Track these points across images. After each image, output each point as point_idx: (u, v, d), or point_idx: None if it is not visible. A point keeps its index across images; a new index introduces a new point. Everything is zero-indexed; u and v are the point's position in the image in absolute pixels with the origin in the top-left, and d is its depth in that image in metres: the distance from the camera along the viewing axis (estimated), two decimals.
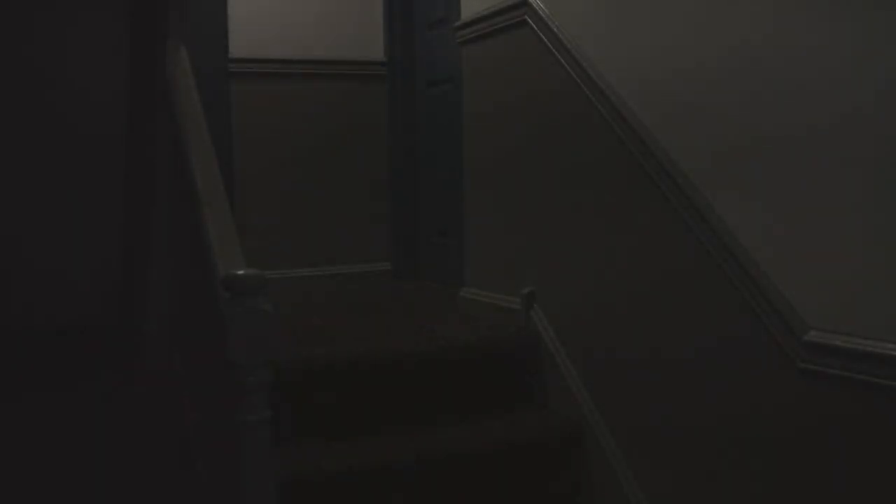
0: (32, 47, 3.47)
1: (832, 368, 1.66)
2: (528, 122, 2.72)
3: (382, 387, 2.46)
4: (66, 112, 3.56)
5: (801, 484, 1.76)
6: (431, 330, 2.75)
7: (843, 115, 1.67)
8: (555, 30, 2.52)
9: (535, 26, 2.62)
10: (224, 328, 1.74)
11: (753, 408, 1.87)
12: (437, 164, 3.85)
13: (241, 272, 1.77)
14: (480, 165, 3.07)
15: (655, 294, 2.17)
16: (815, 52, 1.73)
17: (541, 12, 2.58)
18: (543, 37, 2.57)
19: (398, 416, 2.46)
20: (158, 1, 2.68)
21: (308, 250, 4.07)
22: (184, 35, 2.70)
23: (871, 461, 1.62)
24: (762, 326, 1.81)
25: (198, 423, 2.35)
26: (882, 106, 1.60)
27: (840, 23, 1.68)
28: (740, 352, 1.89)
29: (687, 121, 2.07)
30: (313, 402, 2.37)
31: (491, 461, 2.36)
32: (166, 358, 2.70)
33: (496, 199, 2.96)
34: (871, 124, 1.62)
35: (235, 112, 3.95)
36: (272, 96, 4.02)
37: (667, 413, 2.14)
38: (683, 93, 2.08)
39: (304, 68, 4.04)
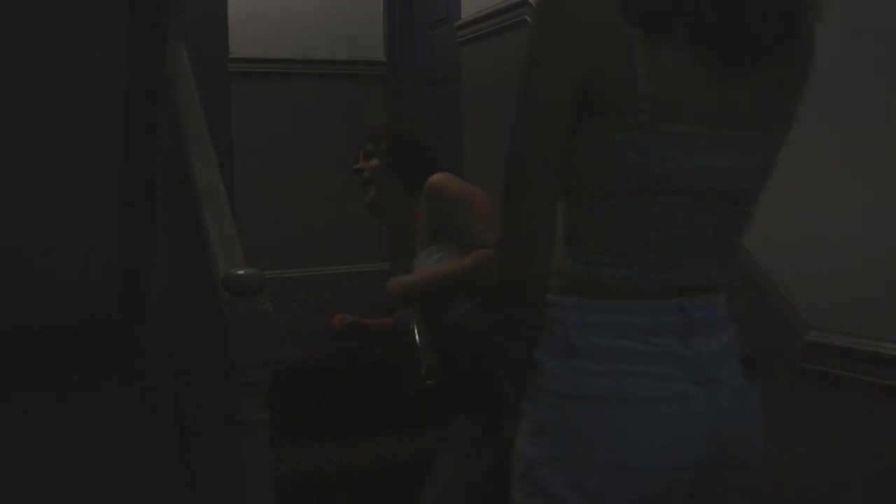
0: (32, 47, 3.47)
1: (832, 368, 1.66)
2: None
3: (382, 387, 2.46)
4: (67, 112, 3.56)
5: (801, 483, 1.76)
6: None
7: None
8: None
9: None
10: (224, 328, 1.75)
11: None
12: None
13: (241, 272, 1.77)
14: (480, 165, 3.07)
15: None
16: None
17: None
18: None
19: (398, 417, 2.45)
20: (159, 1, 2.68)
21: (308, 250, 4.07)
22: (184, 35, 2.70)
23: (871, 461, 1.62)
24: (762, 326, 1.81)
25: (197, 423, 2.35)
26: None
27: None
28: None
29: None
30: (312, 402, 2.37)
31: None
32: (166, 357, 2.70)
33: (496, 199, 2.96)
34: None
35: (235, 112, 3.95)
36: (272, 96, 4.01)
37: None
38: None
39: (304, 68, 4.04)
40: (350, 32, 4.12)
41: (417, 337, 2.01)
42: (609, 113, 0.94)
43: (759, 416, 1.05)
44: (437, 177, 2.03)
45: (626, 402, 0.96)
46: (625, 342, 0.96)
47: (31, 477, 2.58)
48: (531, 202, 0.98)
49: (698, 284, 1.01)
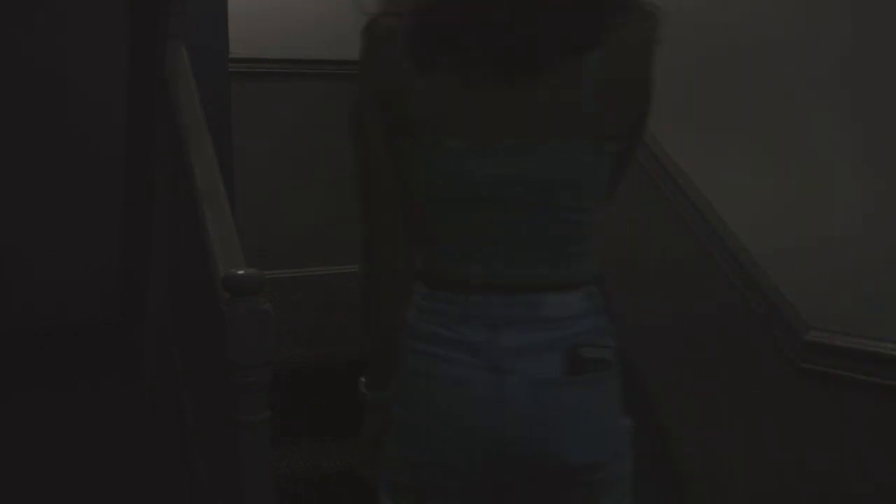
0: (33, 48, 3.47)
1: (832, 368, 1.66)
2: None
3: None
4: (66, 112, 3.56)
5: (801, 483, 1.76)
6: None
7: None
8: None
9: None
10: (224, 328, 1.75)
11: (754, 408, 1.86)
12: None
13: (241, 272, 1.77)
14: None
15: (654, 294, 2.17)
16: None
17: None
18: None
19: None
20: (159, 1, 2.68)
21: (308, 250, 4.07)
22: (184, 35, 2.70)
23: (871, 460, 1.62)
24: (762, 326, 1.81)
25: (197, 423, 2.35)
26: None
27: None
28: (740, 352, 1.89)
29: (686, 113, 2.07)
30: (312, 401, 2.37)
31: None
32: (166, 357, 2.70)
33: None
34: None
35: (235, 112, 3.94)
36: (272, 96, 4.01)
37: (668, 413, 2.14)
38: (687, 89, 2.08)
39: (304, 68, 4.03)
40: (350, 32, 4.08)
41: None
42: (399, 132, 1.11)
43: (585, 412, 1.10)
44: None
45: (422, 377, 1.12)
46: (437, 328, 1.11)
47: (32, 477, 2.58)
48: (366, 204, 1.17)
49: (513, 282, 1.11)
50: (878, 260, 1.60)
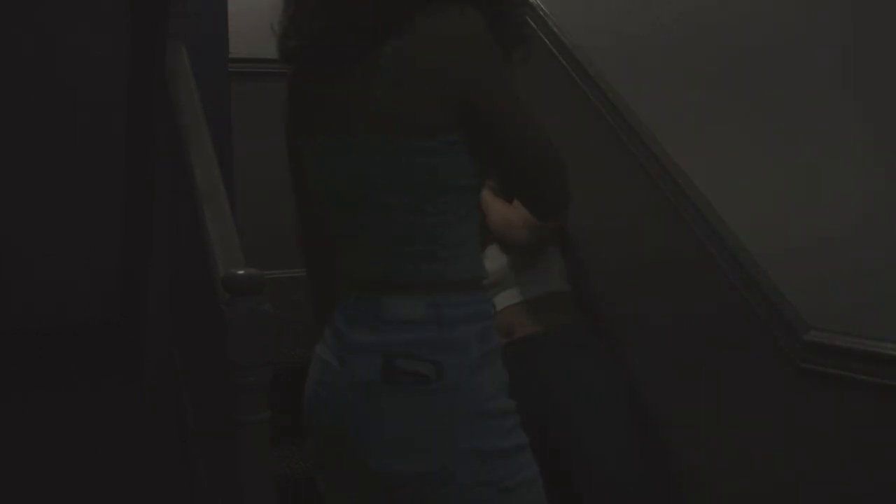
0: (33, 48, 3.47)
1: (832, 368, 1.66)
2: None
3: None
4: (67, 112, 3.56)
5: (801, 483, 1.76)
6: None
7: None
8: (555, 30, 2.51)
9: (534, 25, 2.61)
10: (224, 328, 1.75)
11: (754, 408, 1.86)
12: None
13: (241, 272, 1.77)
14: None
15: (654, 294, 2.17)
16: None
17: (540, 12, 2.58)
18: (543, 36, 2.57)
19: None
20: (158, 1, 2.68)
21: None
22: (184, 35, 2.70)
23: (871, 461, 1.62)
24: (762, 326, 1.81)
25: (197, 423, 2.35)
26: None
27: None
28: (740, 352, 1.89)
29: (692, 115, 2.07)
30: None
31: None
32: (166, 357, 2.70)
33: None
34: None
35: (235, 112, 3.94)
36: (272, 96, 3.98)
37: (667, 414, 2.14)
38: (687, 90, 2.08)
39: None
40: None
41: None
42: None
43: (398, 421, 1.07)
44: None
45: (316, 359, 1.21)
46: (332, 317, 1.19)
47: (32, 477, 2.58)
48: (294, 197, 1.33)
49: (362, 281, 1.15)
50: (878, 260, 1.60)
